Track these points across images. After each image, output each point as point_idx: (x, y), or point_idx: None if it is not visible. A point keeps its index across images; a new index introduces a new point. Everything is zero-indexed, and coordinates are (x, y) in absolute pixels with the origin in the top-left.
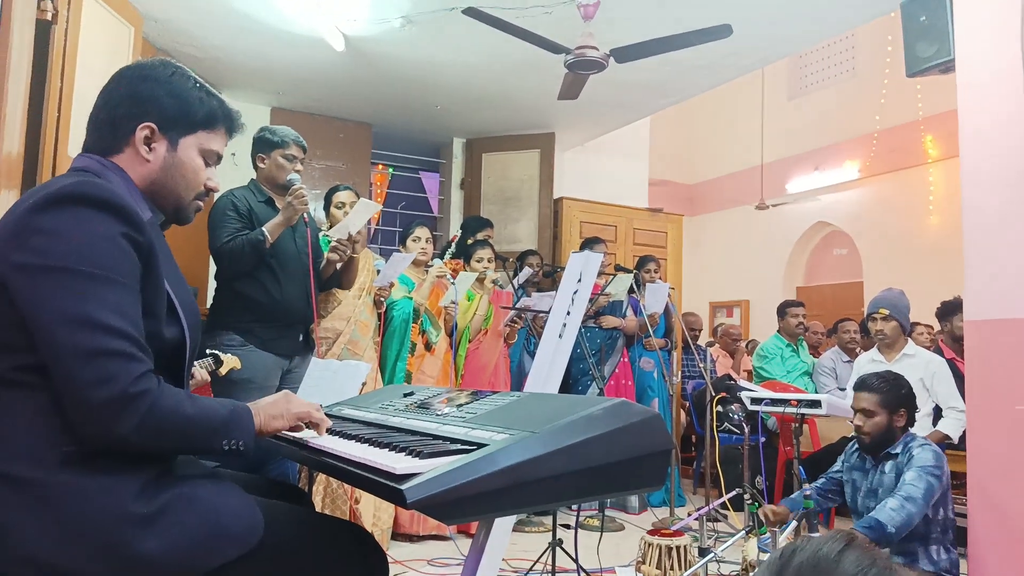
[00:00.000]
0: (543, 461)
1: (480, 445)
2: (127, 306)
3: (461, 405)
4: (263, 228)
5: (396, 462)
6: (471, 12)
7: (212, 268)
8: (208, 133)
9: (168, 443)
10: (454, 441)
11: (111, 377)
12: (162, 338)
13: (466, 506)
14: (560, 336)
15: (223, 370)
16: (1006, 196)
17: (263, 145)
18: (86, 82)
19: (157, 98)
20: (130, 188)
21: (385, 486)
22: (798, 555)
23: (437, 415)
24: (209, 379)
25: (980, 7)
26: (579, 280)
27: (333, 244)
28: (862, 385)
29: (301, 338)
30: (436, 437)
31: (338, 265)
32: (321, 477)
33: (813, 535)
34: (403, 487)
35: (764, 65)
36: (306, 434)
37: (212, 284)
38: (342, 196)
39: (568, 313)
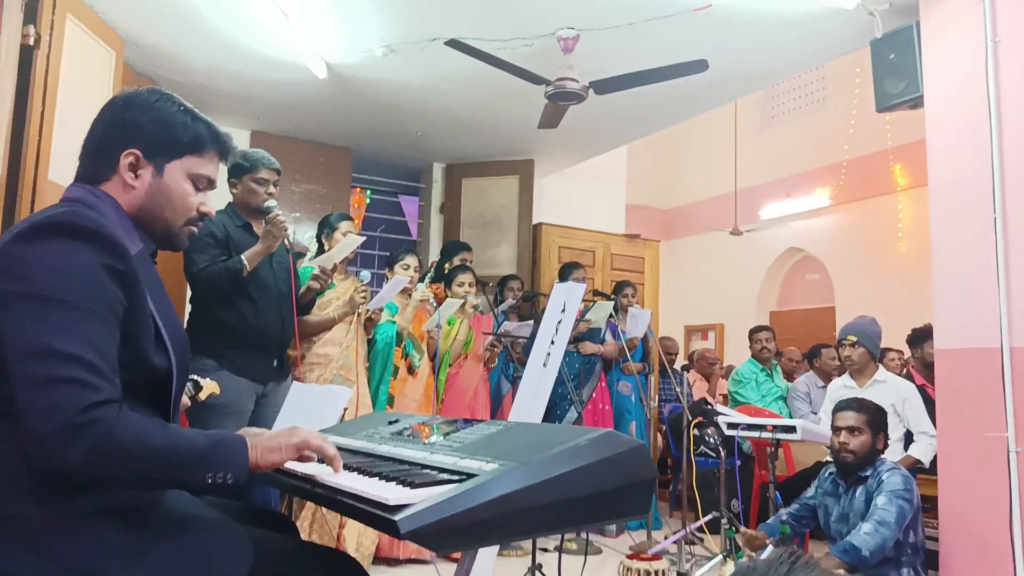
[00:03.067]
0: (533, 491)
1: (470, 475)
2: (96, 335)
3: (448, 434)
4: (242, 256)
5: (388, 492)
6: (454, 44)
7: (187, 292)
8: (196, 157)
9: (134, 475)
10: (444, 471)
11: (57, 406)
12: (148, 368)
13: (458, 536)
14: (544, 365)
15: (203, 395)
16: (973, 229)
17: (235, 170)
18: (68, 107)
19: (141, 124)
20: (121, 218)
21: (378, 516)
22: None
23: (425, 444)
24: (188, 404)
25: (947, 46)
26: (563, 310)
27: (316, 273)
28: (847, 405)
29: (275, 363)
30: (425, 466)
31: (336, 300)
32: (309, 504)
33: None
34: (396, 518)
35: (738, 97)
36: (315, 468)
37: (187, 308)
38: (348, 226)
39: (552, 343)
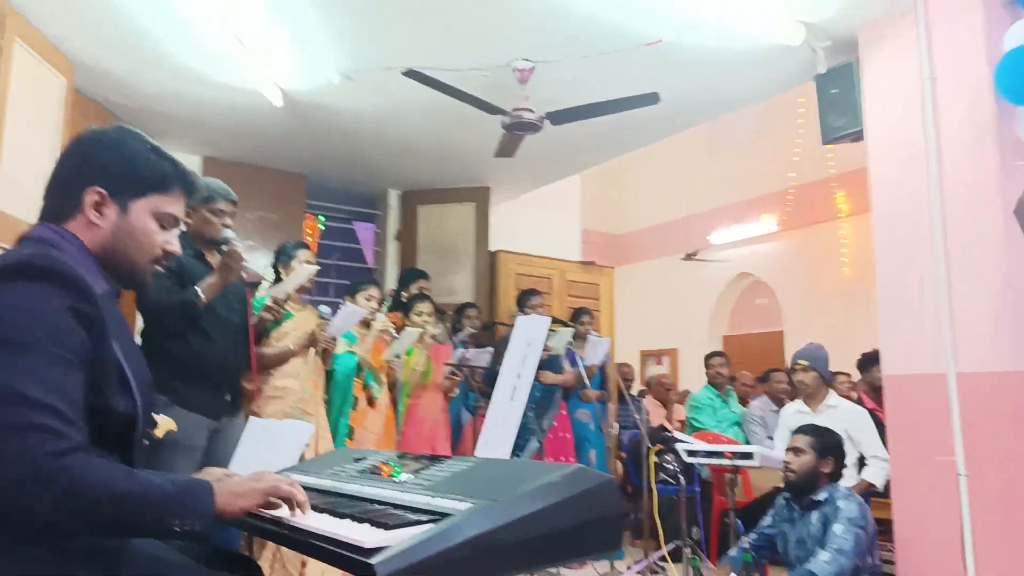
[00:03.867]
0: (507, 530)
1: (444, 514)
2: (62, 381)
3: (418, 471)
4: (197, 288)
5: (363, 535)
6: (411, 74)
7: (138, 325)
8: (161, 196)
9: (101, 523)
10: (417, 511)
11: (26, 453)
12: (112, 412)
13: None
14: (512, 399)
15: (159, 432)
16: (916, 258)
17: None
18: (16, 133)
19: (106, 162)
20: (85, 258)
21: (352, 560)
22: None
23: (395, 483)
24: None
25: (885, 81)
26: (528, 344)
27: (268, 304)
28: (800, 428)
29: (229, 398)
30: (397, 506)
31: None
32: (270, 544)
33: None
34: (373, 561)
35: (687, 128)
36: (282, 510)
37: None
38: (306, 255)
39: (519, 376)
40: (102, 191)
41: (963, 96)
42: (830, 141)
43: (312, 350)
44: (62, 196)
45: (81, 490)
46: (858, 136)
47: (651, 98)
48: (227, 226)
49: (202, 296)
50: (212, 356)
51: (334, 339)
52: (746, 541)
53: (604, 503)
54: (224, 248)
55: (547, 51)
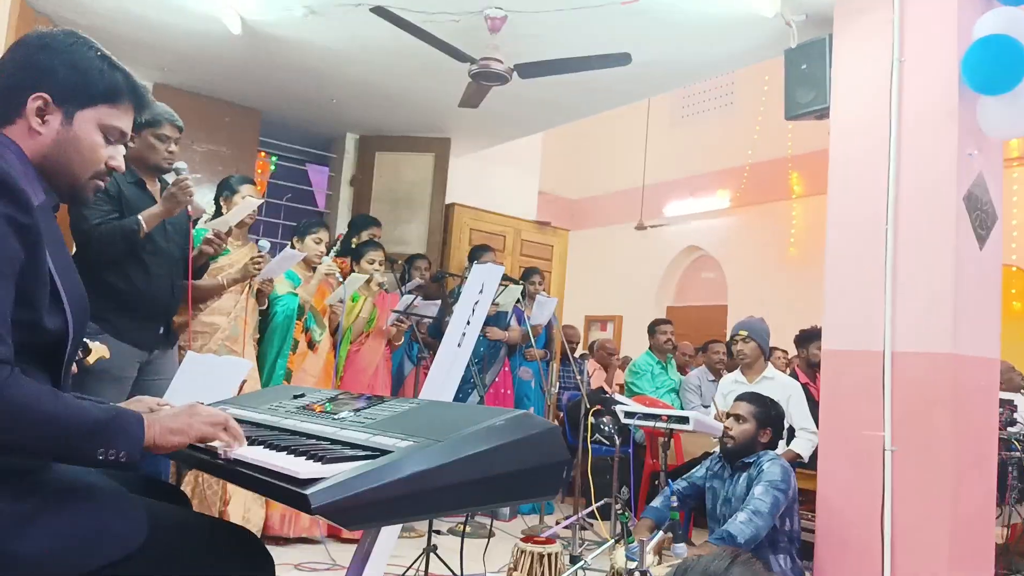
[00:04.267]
0: (447, 469)
1: (383, 451)
2: None
3: (359, 410)
4: (138, 217)
5: (299, 466)
6: (378, 11)
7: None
8: (110, 108)
9: (21, 442)
10: (356, 447)
11: None
12: (41, 329)
13: (370, 512)
14: (459, 345)
15: (91, 359)
16: (865, 236)
17: (135, 123)
18: None
19: (54, 68)
20: (24, 166)
21: (286, 491)
22: (690, 572)
23: (335, 418)
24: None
25: (855, 60)
26: (480, 291)
27: (209, 236)
28: (743, 396)
29: (162, 330)
30: (336, 441)
31: (229, 267)
32: (189, 477)
33: (679, 544)
34: (307, 492)
35: (655, 94)
36: (217, 445)
37: None
38: (249, 189)
39: (468, 323)
40: (46, 97)
41: (930, 81)
42: (793, 117)
43: (246, 289)
44: (3, 100)
45: (2, 407)
46: (823, 114)
47: (623, 58)
48: (171, 152)
49: (144, 225)
50: (148, 287)
51: (270, 281)
52: (673, 497)
53: (547, 449)
54: (173, 177)
55: (522, 1)
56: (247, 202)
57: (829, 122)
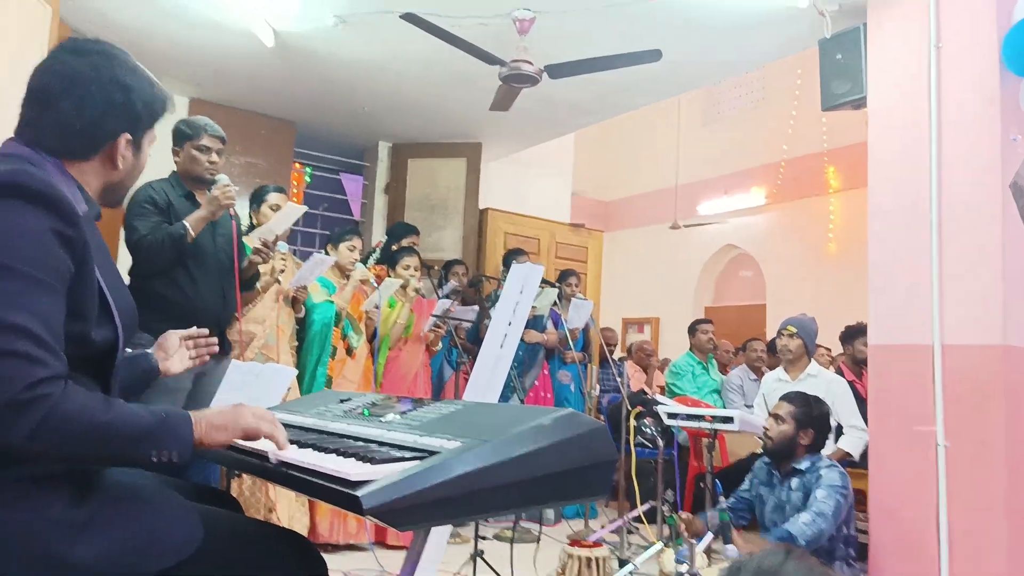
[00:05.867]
0: (496, 469)
1: (431, 452)
2: (43, 305)
3: (405, 412)
4: (184, 222)
5: (348, 468)
6: (409, 17)
7: (123, 264)
8: (156, 125)
9: (78, 452)
10: (404, 448)
11: (3, 381)
12: (91, 340)
13: (421, 512)
14: (501, 346)
15: None
16: (909, 227)
17: (178, 137)
18: (0, 64)
19: (133, 107)
20: (66, 178)
21: (337, 492)
22: (744, 571)
23: (382, 421)
24: None
25: (891, 48)
26: (521, 292)
27: (257, 246)
28: (787, 395)
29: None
30: (383, 444)
31: (260, 267)
32: (235, 485)
33: (729, 546)
34: (359, 493)
35: (686, 91)
36: (264, 443)
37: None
38: (276, 198)
39: (510, 323)
40: (130, 136)
41: (969, 66)
42: (830, 108)
43: (281, 297)
44: (86, 140)
45: (58, 419)
46: (860, 103)
47: (653, 55)
48: (213, 163)
49: (191, 230)
50: (198, 297)
51: (304, 288)
52: (725, 504)
53: (595, 448)
54: (216, 185)
55: (550, 2)
56: (290, 207)
57: (866, 113)
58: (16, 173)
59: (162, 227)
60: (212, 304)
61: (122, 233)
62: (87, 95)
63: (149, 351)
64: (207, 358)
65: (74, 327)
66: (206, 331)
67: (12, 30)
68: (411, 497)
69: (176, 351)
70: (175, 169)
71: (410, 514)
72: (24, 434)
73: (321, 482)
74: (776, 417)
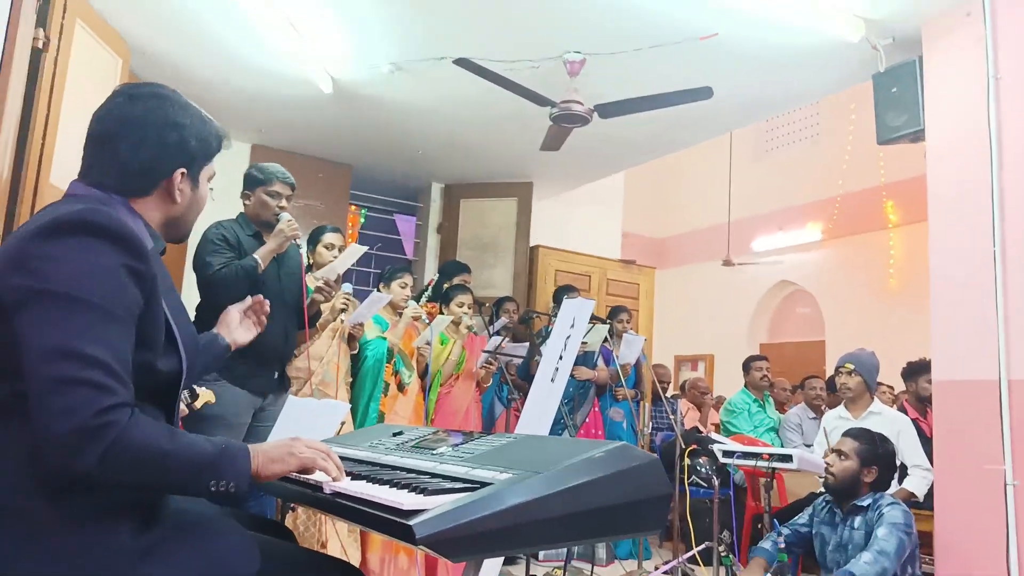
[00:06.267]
0: (549, 501)
1: (483, 484)
2: (113, 337)
3: (457, 445)
4: (254, 255)
5: (401, 498)
6: (461, 63)
7: (189, 299)
8: (212, 160)
9: (142, 479)
10: (456, 479)
11: (74, 408)
12: (157, 370)
13: (473, 543)
14: (552, 380)
15: (198, 403)
16: (971, 261)
17: (249, 182)
18: (72, 112)
19: (187, 145)
20: (132, 215)
21: (391, 522)
22: None
23: (434, 454)
24: (185, 412)
25: (948, 80)
26: (572, 326)
27: (319, 285)
28: (850, 431)
29: (276, 375)
30: (436, 475)
31: (322, 306)
32: (289, 518)
33: None
34: (412, 523)
35: (738, 127)
36: (319, 474)
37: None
38: (331, 238)
39: (561, 358)
40: (184, 172)
41: None
42: (886, 141)
43: (337, 334)
44: (141, 178)
45: (125, 447)
46: (917, 136)
47: (704, 92)
48: (283, 208)
49: (260, 262)
50: (262, 333)
51: (361, 325)
52: (780, 538)
53: (648, 481)
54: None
55: (599, 43)
56: (352, 248)
57: (924, 146)
58: (89, 212)
59: (234, 262)
60: (275, 340)
61: (186, 268)
62: (143, 137)
63: (216, 332)
64: (264, 319)
65: (141, 357)
66: (259, 296)
67: (86, 81)
68: (463, 527)
69: (238, 324)
70: (242, 211)
71: (462, 544)
72: (93, 460)
73: (375, 512)
74: (839, 453)
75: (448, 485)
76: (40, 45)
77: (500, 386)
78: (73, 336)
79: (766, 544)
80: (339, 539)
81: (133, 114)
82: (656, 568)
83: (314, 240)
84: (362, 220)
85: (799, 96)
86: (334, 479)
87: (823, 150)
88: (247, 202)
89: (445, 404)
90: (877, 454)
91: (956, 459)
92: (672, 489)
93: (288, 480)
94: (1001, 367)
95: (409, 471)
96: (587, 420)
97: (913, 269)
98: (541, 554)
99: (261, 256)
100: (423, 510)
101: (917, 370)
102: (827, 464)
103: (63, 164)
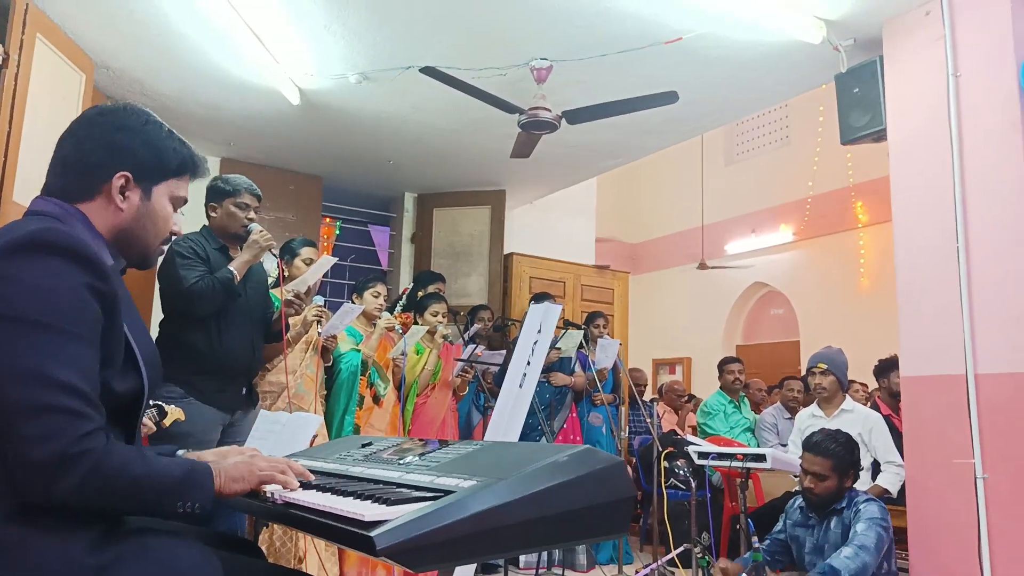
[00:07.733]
0: (513, 507)
1: (447, 492)
2: (83, 360)
3: (423, 454)
4: (229, 267)
5: (363, 509)
6: (428, 71)
7: (154, 316)
8: (178, 180)
9: (114, 504)
10: (420, 488)
11: (53, 435)
12: (116, 390)
13: (436, 552)
14: (520, 386)
15: (167, 421)
16: (936, 257)
17: (215, 194)
18: (34, 128)
19: (133, 147)
20: (93, 234)
21: (352, 534)
22: None
23: (400, 463)
24: (154, 429)
25: (909, 79)
26: (539, 331)
27: (289, 299)
28: (816, 448)
29: (244, 391)
30: (401, 485)
31: (291, 319)
32: (264, 535)
33: None
34: (372, 534)
35: (706, 131)
36: (273, 488)
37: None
38: (309, 252)
39: (528, 363)
40: (128, 175)
41: (988, 93)
42: (849, 141)
43: (310, 347)
44: (84, 177)
45: (102, 473)
46: (880, 136)
47: (670, 96)
48: (250, 219)
49: (236, 274)
50: (229, 349)
51: (334, 337)
52: (760, 546)
53: (614, 484)
54: (246, 236)
55: (565, 50)
56: (323, 260)
57: (887, 144)
58: (48, 232)
59: (209, 275)
60: (241, 355)
61: (154, 285)
62: (89, 135)
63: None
64: None
65: (102, 376)
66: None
67: (47, 96)
68: (425, 536)
69: None
70: (206, 224)
71: (425, 554)
72: (70, 487)
73: (337, 524)
74: (815, 475)
75: (412, 494)
76: (0, 61)
77: (477, 394)
78: (42, 360)
79: (746, 555)
80: (317, 554)
81: (92, 120)
82: (637, 572)
83: (291, 253)
84: (337, 232)
85: (765, 98)
86: (288, 488)
87: (793, 152)
88: (213, 215)
89: (422, 414)
90: (852, 460)
91: (926, 454)
92: (636, 491)
93: (250, 495)
94: (968, 362)
95: (376, 482)
96: (564, 426)
97: (884, 268)
98: (522, 561)
99: (236, 268)
100: (384, 520)
101: (888, 367)
102: (808, 488)
103: (25, 181)
